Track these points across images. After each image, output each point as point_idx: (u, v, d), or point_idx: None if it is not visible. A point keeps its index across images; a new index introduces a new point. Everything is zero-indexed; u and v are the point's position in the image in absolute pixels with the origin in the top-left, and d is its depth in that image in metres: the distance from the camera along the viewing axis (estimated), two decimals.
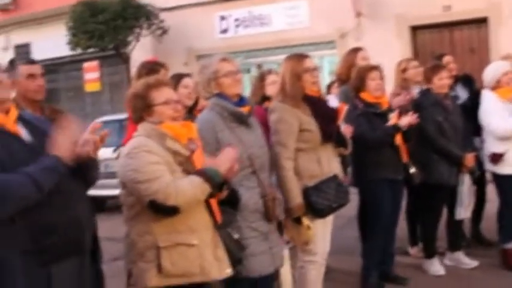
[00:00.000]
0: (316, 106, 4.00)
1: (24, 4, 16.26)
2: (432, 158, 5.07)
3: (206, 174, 2.87)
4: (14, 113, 2.57)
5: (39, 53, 13.95)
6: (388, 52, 9.43)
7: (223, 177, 2.95)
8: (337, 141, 4.13)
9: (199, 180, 2.84)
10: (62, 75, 16.29)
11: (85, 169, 2.65)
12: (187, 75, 4.38)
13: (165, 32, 13.37)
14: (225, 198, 3.13)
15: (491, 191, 5.71)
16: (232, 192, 3.22)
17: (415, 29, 11.68)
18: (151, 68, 4.31)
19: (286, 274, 4.14)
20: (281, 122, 3.92)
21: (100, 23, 12.53)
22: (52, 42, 14.48)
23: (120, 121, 9.62)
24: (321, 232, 4.00)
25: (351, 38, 11.75)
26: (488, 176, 5.62)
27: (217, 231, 3.04)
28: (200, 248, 2.91)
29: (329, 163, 4.02)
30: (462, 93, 5.78)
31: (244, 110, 3.53)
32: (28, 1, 16.04)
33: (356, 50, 5.56)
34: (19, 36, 16.32)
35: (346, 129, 4.31)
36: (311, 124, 3.93)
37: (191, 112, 4.16)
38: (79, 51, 13.44)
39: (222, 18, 13.63)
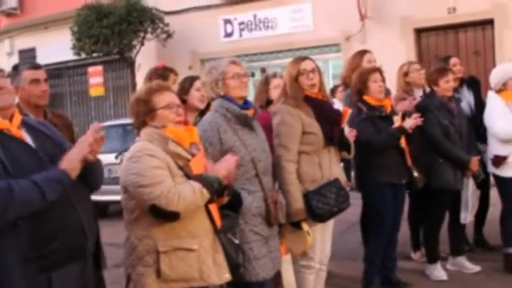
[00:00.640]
0: (320, 108, 4.01)
1: (29, 9, 16.32)
2: (437, 162, 5.05)
3: (205, 180, 2.88)
4: (18, 118, 2.57)
5: (44, 57, 14.00)
6: (392, 55, 9.41)
7: (223, 183, 2.96)
8: (340, 145, 4.13)
9: (199, 186, 2.85)
10: (67, 80, 16.36)
11: (89, 172, 2.64)
12: (199, 78, 4.37)
13: (169, 35, 13.40)
14: (227, 201, 3.14)
15: (493, 195, 5.68)
16: (235, 196, 3.24)
17: (419, 32, 11.66)
18: (161, 73, 4.32)
19: (289, 278, 4.12)
20: (283, 124, 3.92)
21: (105, 27, 12.58)
22: (57, 47, 14.56)
23: (123, 126, 9.62)
24: (320, 237, 3.99)
25: (355, 41, 11.73)
26: (492, 180, 5.60)
27: (218, 236, 3.05)
28: (200, 253, 2.91)
29: (330, 167, 4.02)
30: (468, 96, 5.76)
31: (248, 112, 3.54)
32: (33, 6, 16.11)
33: (362, 53, 5.53)
34: (24, 41, 16.41)
35: (349, 133, 4.32)
36: (314, 127, 3.94)
37: (202, 115, 4.14)
38: (83, 55, 13.49)
39: (227, 21, 13.66)
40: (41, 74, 3.80)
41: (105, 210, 9.47)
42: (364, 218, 5.16)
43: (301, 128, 3.91)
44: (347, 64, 5.77)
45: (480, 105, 5.63)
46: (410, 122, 4.68)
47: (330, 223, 4.13)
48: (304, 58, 4.11)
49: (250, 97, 3.96)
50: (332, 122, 4.02)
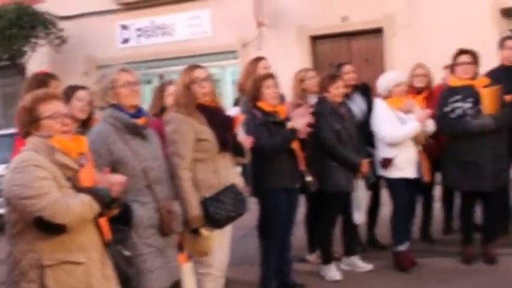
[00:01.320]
0: (212, 115, 4.04)
1: None
2: (330, 166, 5.21)
3: (96, 193, 2.82)
4: None
5: None
6: (289, 62, 9.64)
7: (112, 195, 2.91)
8: (234, 150, 4.17)
9: (88, 198, 2.79)
10: None
11: None
12: (83, 87, 4.28)
13: (64, 41, 12.97)
14: (117, 215, 3.09)
15: (384, 196, 5.94)
16: (125, 209, 3.18)
17: (315, 39, 11.99)
18: (41, 79, 4.19)
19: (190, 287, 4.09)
20: (177, 132, 3.92)
21: None
22: None
23: (13, 135, 9.19)
24: (218, 243, 4.01)
25: (252, 47, 11.90)
26: (382, 182, 5.85)
27: (107, 249, 2.98)
28: (87, 266, 2.84)
29: (227, 173, 4.06)
30: (360, 102, 5.97)
31: (139, 121, 3.50)
32: None
33: (257, 60, 5.62)
34: None
35: (245, 140, 4.37)
36: (207, 134, 3.96)
37: (85, 126, 4.08)
38: None
39: (124, 27, 13.43)
40: None
41: None
42: (261, 223, 5.23)
43: (194, 136, 3.92)
44: (243, 71, 5.85)
45: (371, 110, 5.85)
46: (300, 122, 4.78)
47: (228, 229, 4.16)
48: (197, 66, 4.14)
49: (147, 105, 3.94)
50: (225, 128, 4.06)
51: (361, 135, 5.49)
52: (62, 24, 13.03)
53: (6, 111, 14.65)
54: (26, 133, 2.95)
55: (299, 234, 5.68)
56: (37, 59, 12.77)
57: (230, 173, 4.11)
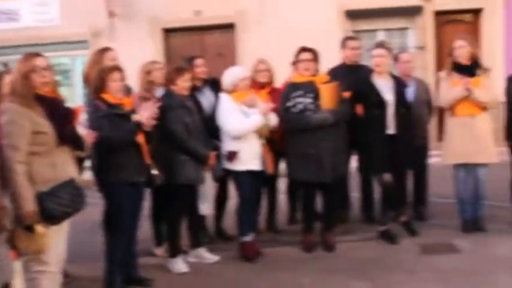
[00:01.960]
0: (50, 107, 3.85)
1: None
2: (179, 158, 5.22)
3: None
4: None
5: None
6: (141, 53, 9.44)
7: None
8: (73, 144, 4.03)
9: None
10: None
11: None
12: None
13: None
14: None
15: (231, 188, 6.05)
16: None
17: (167, 32, 11.92)
18: None
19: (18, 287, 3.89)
20: (12, 124, 3.69)
21: None
22: None
23: None
24: (55, 240, 3.85)
25: (104, 38, 11.55)
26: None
27: None
28: None
29: (65, 167, 3.89)
30: (210, 96, 6.01)
31: None
32: None
33: (104, 51, 5.48)
34: None
35: (88, 134, 4.25)
36: (45, 126, 3.78)
37: None
38: None
39: None
40: None
41: None
42: (106, 218, 5.11)
43: (30, 128, 3.73)
44: (88, 61, 5.68)
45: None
46: (145, 114, 4.74)
47: (65, 225, 4.01)
48: (37, 54, 3.93)
49: None
50: (64, 120, 3.90)
51: (208, 128, 5.55)
52: None
53: None
54: None
55: (146, 228, 5.63)
56: None
57: (68, 167, 3.95)
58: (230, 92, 5.57)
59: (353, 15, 11.38)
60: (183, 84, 5.34)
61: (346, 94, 5.78)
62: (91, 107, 4.79)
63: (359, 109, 5.83)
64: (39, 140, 3.77)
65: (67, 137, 3.90)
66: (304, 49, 5.65)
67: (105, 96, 4.71)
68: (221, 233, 6.35)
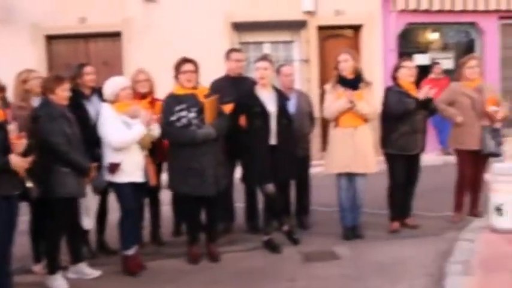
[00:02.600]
0: None
1: None
2: (59, 171, 5.04)
3: None
4: None
5: None
6: (23, 61, 8.99)
7: None
8: None
9: None
10: None
11: None
12: None
13: None
14: None
15: (113, 201, 5.91)
16: None
17: (50, 39, 11.49)
18: None
19: None
20: None
21: None
22: None
23: None
24: None
25: None
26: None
27: None
28: None
29: None
30: (97, 105, 5.83)
31: None
32: None
33: None
34: None
35: None
36: None
37: None
38: None
39: None
40: None
41: None
42: None
43: None
44: None
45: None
46: (13, 127, 4.53)
47: None
48: None
49: None
50: None
51: (95, 138, 5.41)
52: None
53: None
54: None
55: (22, 242, 5.37)
56: None
57: None
58: (112, 102, 5.46)
59: (240, 27, 11.53)
60: (62, 94, 5.16)
61: (227, 108, 5.86)
62: None
63: (242, 120, 5.92)
64: None
65: None
66: (185, 60, 5.65)
67: None
68: (103, 247, 6.19)
